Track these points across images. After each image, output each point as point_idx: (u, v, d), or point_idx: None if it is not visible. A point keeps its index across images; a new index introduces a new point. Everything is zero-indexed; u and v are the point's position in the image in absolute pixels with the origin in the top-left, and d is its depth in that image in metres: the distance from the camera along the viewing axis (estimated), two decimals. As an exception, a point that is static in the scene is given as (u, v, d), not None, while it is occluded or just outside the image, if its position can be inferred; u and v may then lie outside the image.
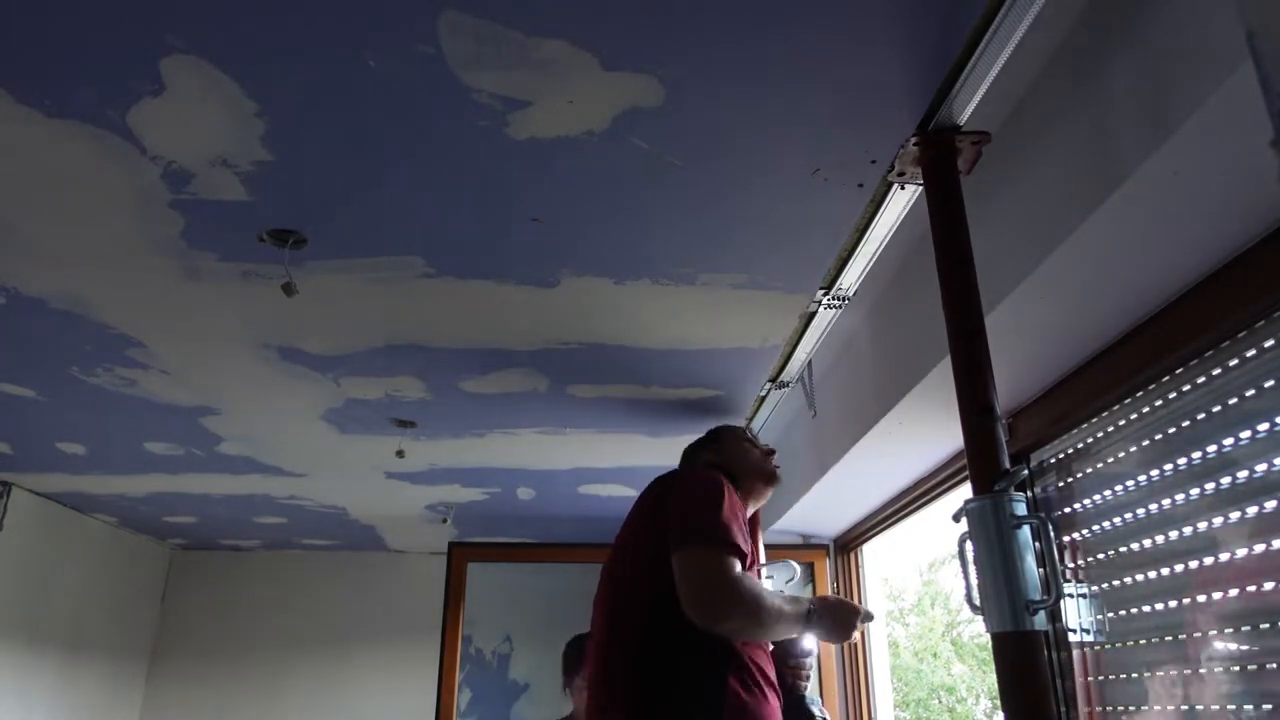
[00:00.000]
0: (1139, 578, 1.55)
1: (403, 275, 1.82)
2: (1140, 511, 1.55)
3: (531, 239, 1.69)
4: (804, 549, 3.43)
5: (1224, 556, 1.34)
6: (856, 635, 1.76)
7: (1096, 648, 1.66)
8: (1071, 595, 1.71)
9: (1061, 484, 1.81)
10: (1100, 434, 1.68)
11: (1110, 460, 1.64)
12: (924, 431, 2.19)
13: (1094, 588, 1.68)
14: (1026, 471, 1.91)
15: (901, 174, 1.47)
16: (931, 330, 1.70)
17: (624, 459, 3.14)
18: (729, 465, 1.94)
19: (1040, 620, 1.09)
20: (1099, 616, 1.66)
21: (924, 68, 1.25)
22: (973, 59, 1.21)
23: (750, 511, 1.96)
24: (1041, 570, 1.14)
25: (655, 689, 1.57)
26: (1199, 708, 1.37)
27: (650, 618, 1.61)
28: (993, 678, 2.38)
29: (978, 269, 1.30)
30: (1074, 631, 1.70)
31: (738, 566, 1.57)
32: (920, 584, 11.79)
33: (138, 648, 4.80)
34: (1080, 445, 1.74)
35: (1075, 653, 1.71)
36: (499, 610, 5.25)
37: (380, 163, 1.46)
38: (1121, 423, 1.61)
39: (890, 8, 1.14)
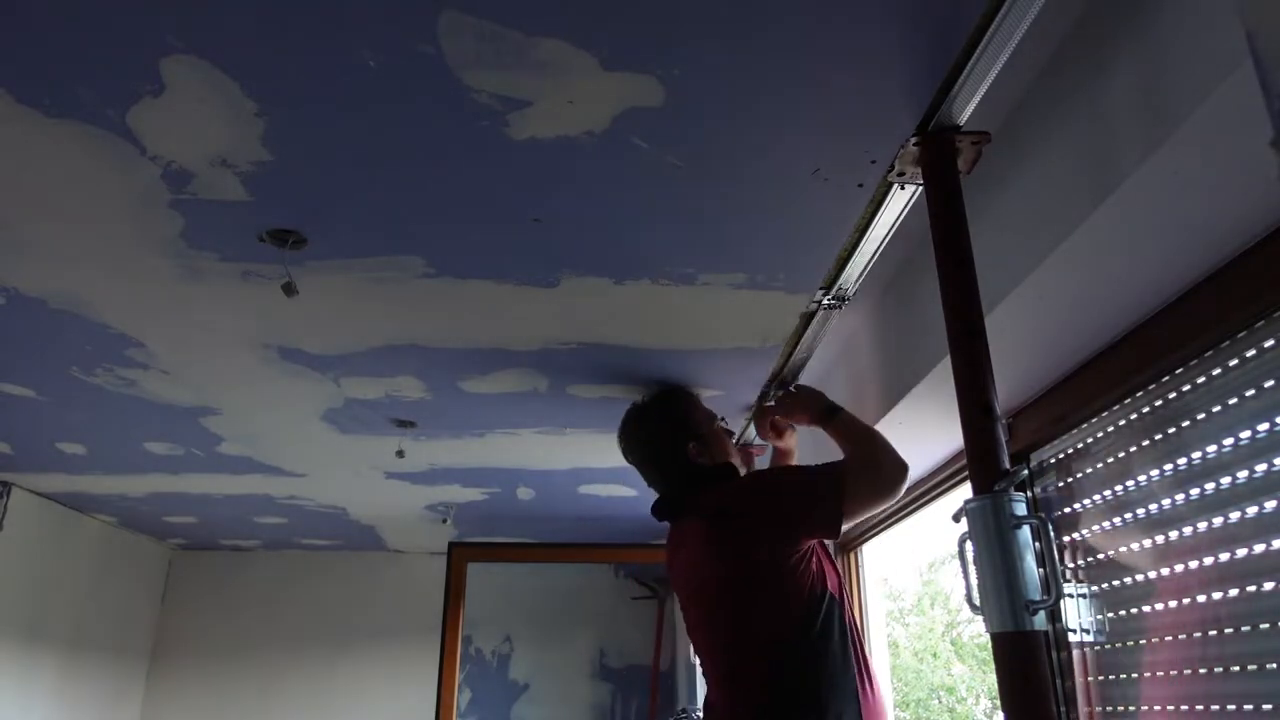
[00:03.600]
0: (1139, 578, 1.55)
1: (403, 275, 1.82)
2: (1140, 511, 1.55)
3: (531, 239, 1.69)
4: (804, 549, 3.42)
5: (1224, 556, 1.34)
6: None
7: (1096, 648, 1.66)
8: (1071, 595, 1.71)
9: (1061, 484, 1.81)
10: (1100, 434, 1.68)
11: (1110, 460, 1.64)
12: (924, 431, 2.19)
13: (1094, 588, 1.68)
14: (1026, 471, 1.91)
15: (901, 174, 1.47)
16: (931, 330, 1.70)
17: (624, 459, 3.14)
18: (723, 463, 2.05)
19: (1040, 620, 1.09)
20: (1099, 616, 1.66)
21: (924, 68, 1.26)
22: (973, 59, 1.21)
23: None
24: (1041, 570, 1.14)
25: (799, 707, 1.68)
26: (1199, 708, 1.37)
27: (779, 650, 1.72)
28: (993, 678, 2.38)
29: (978, 269, 1.30)
30: (1074, 631, 1.70)
31: (838, 476, 1.77)
32: (920, 584, 11.79)
33: (138, 648, 4.81)
34: (1080, 445, 1.74)
35: (1075, 653, 1.71)
36: (499, 610, 5.26)
37: (380, 163, 1.46)
38: (1121, 423, 1.61)
39: (890, 8, 1.14)
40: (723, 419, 2.14)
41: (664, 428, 2.08)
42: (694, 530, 1.91)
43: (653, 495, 2.10)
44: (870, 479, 1.76)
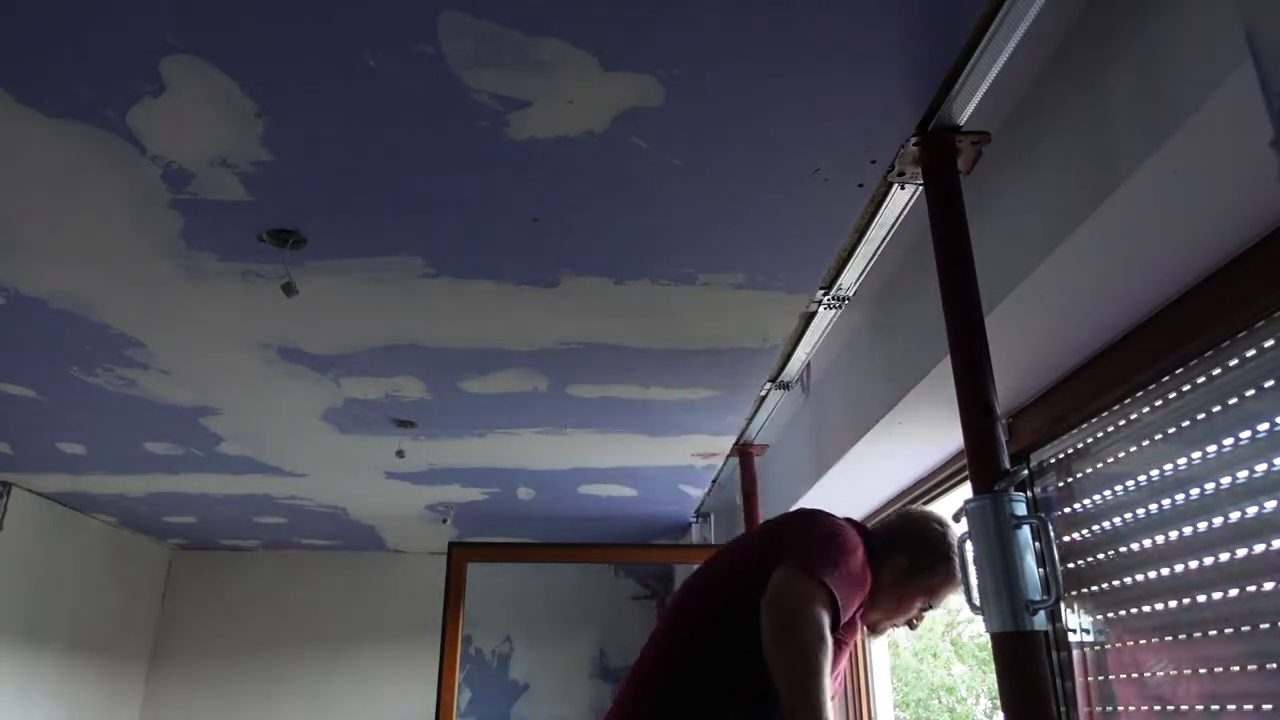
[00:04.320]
0: (1139, 578, 1.54)
1: (403, 275, 1.82)
2: (1140, 511, 1.55)
3: (531, 239, 1.69)
4: (804, 549, 3.42)
5: (1224, 556, 1.34)
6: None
7: (1096, 648, 1.66)
8: (1071, 595, 1.71)
9: (1061, 484, 1.81)
10: (1100, 434, 1.68)
11: (1110, 460, 1.64)
12: (924, 431, 2.19)
13: (1094, 588, 1.68)
14: (1026, 471, 1.91)
15: (901, 174, 1.47)
16: (931, 330, 1.70)
17: (624, 459, 3.14)
18: (881, 591, 1.69)
19: (1040, 620, 1.09)
20: (1099, 616, 1.66)
21: (924, 68, 1.26)
22: (973, 59, 1.21)
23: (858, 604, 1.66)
24: (1041, 570, 1.14)
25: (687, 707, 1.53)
26: (1199, 708, 1.37)
27: (698, 638, 1.57)
28: (993, 678, 2.37)
29: (978, 269, 1.30)
30: (1074, 631, 1.70)
31: (823, 613, 1.46)
32: (920, 584, 11.78)
33: (138, 648, 4.80)
34: (1080, 445, 1.74)
35: (1075, 653, 1.71)
36: (499, 610, 5.25)
37: (380, 163, 1.46)
38: (1121, 423, 1.61)
39: (890, 8, 1.14)
40: (928, 608, 1.78)
41: (920, 539, 1.74)
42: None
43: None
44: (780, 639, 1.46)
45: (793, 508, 2.77)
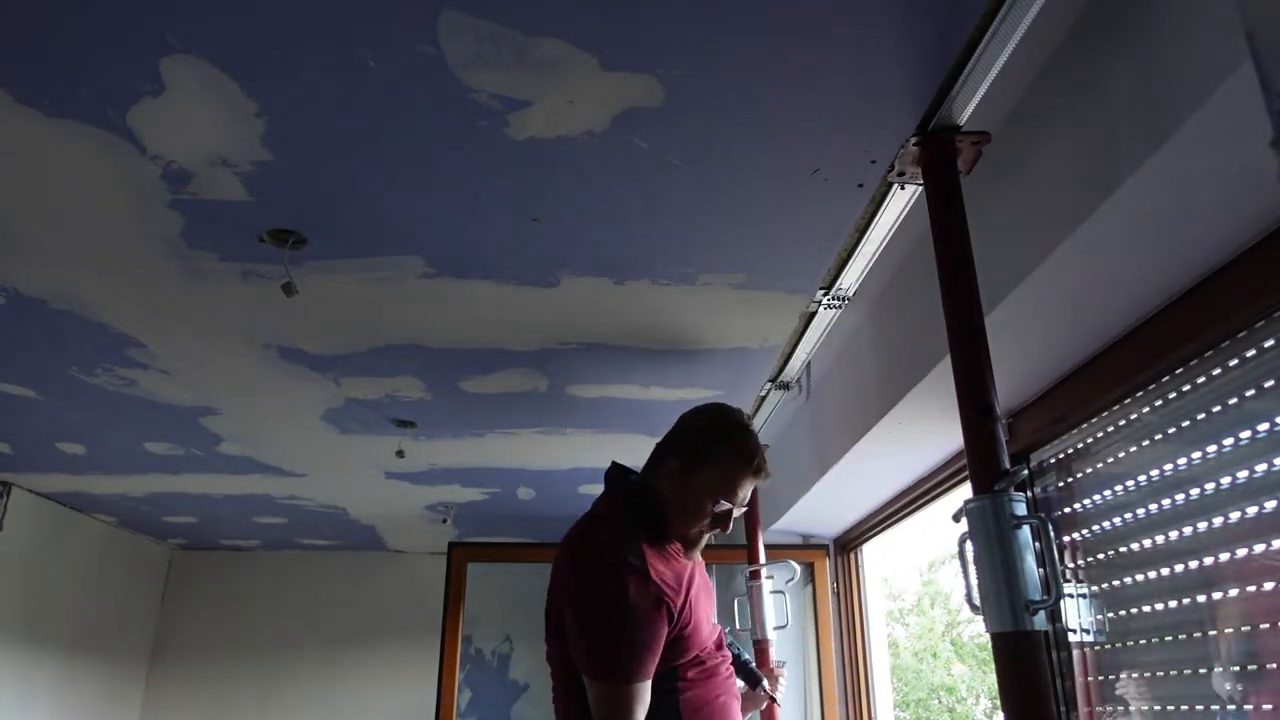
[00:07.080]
0: (1139, 578, 1.55)
1: (403, 275, 1.82)
2: (1140, 511, 1.55)
3: (531, 239, 1.69)
4: (804, 549, 3.42)
5: (1224, 556, 1.34)
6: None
7: (1096, 648, 1.66)
8: (1071, 595, 1.71)
9: (1061, 484, 1.81)
10: (1100, 434, 1.68)
11: (1110, 460, 1.64)
12: (924, 431, 2.19)
13: (1094, 588, 1.68)
14: (1026, 471, 1.91)
15: (901, 174, 1.47)
16: (931, 330, 1.70)
17: (624, 459, 3.14)
18: (666, 504, 1.64)
19: (1040, 620, 1.09)
20: (1099, 616, 1.66)
21: (924, 68, 1.26)
22: (973, 59, 1.21)
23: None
24: (1041, 570, 1.14)
25: None
26: (1199, 708, 1.37)
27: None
28: (993, 678, 2.37)
29: (978, 269, 1.30)
30: (1074, 631, 1.70)
31: (638, 696, 1.51)
32: (920, 584, 11.78)
33: (138, 648, 4.80)
34: (1080, 445, 1.74)
35: (1075, 653, 1.71)
36: (499, 610, 5.25)
37: (380, 163, 1.46)
38: (1121, 423, 1.61)
39: (890, 8, 1.14)
40: (727, 506, 1.62)
41: (687, 435, 1.71)
42: (571, 537, 1.76)
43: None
44: None
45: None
